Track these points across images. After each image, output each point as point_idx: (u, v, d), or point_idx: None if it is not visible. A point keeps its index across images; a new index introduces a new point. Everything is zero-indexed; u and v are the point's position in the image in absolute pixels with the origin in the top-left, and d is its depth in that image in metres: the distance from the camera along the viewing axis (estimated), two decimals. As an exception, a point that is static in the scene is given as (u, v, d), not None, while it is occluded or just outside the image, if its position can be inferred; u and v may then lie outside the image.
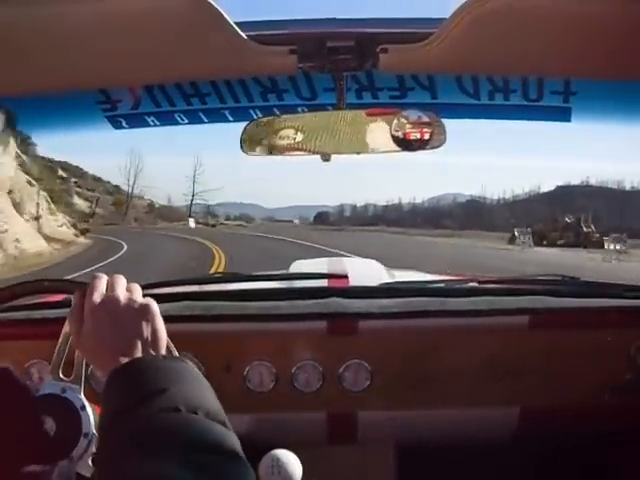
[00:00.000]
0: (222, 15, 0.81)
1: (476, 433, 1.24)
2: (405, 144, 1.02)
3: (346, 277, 1.46)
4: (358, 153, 1.05)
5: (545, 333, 1.18)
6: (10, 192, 21.50)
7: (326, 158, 1.06)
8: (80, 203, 46.31)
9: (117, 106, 1.19)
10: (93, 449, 0.73)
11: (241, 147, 1.06)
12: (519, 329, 1.19)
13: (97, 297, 0.70)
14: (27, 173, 26.18)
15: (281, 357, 1.16)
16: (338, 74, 1.01)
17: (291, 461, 0.95)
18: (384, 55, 0.93)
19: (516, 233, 26.02)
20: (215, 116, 1.24)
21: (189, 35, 0.86)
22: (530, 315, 1.18)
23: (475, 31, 0.84)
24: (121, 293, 0.71)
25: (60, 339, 0.79)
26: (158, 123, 1.24)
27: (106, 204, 50.65)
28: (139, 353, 0.66)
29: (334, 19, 0.96)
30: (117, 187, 54.71)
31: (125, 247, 19.87)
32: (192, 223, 45.34)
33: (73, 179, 49.09)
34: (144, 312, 0.69)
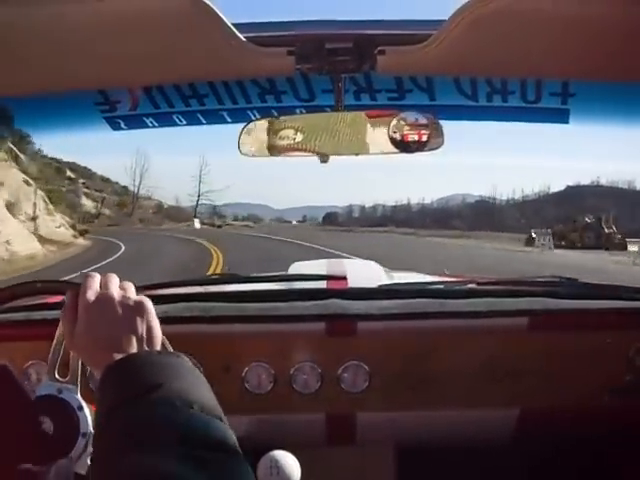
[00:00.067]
0: (220, 17, 0.81)
1: (475, 434, 1.24)
2: (403, 146, 1.02)
3: (345, 278, 1.46)
4: (356, 154, 1.05)
5: (544, 335, 1.18)
6: (6, 192, 21.33)
7: (324, 159, 1.06)
8: (87, 204, 46.39)
9: (116, 107, 1.19)
10: (91, 449, 0.73)
11: (238, 148, 1.06)
12: (518, 330, 1.19)
13: (91, 295, 0.70)
14: (25, 172, 26.00)
15: (280, 358, 1.16)
16: (336, 76, 1.01)
17: (289, 462, 0.95)
18: (382, 57, 0.93)
19: (533, 234, 24.85)
20: (213, 117, 1.24)
21: (187, 37, 0.86)
22: (529, 316, 1.18)
23: (473, 33, 0.84)
24: (115, 291, 0.70)
25: (55, 340, 0.79)
26: (156, 124, 1.24)
27: (112, 205, 50.70)
28: (134, 349, 0.66)
29: (332, 21, 0.96)
30: (125, 188, 54.80)
31: (123, 248, 19.83)
32: (197, 224, 44.85)
33: (81, 180, 49.25)
34: (138, 309, 0.69)
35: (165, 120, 1.23)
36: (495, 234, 34.94)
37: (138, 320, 0.68)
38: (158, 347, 0.69)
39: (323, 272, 1.63)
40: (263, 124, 1.05)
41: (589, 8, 0.80)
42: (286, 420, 1.19)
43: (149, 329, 0.69)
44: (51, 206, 26.55)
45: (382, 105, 1.19)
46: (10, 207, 20.65)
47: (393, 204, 73.99)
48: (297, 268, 1.82)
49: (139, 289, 0.75)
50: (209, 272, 11.57)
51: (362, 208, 73.93)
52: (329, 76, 1.01)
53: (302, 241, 21.58)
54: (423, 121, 1.02)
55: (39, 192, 25.48)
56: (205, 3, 0.78)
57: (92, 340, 0.68)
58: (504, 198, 62.93)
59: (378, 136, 1.02)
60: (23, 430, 0.72)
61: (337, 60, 0.95)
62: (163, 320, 0.71)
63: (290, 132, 1.03)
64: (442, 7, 0.92)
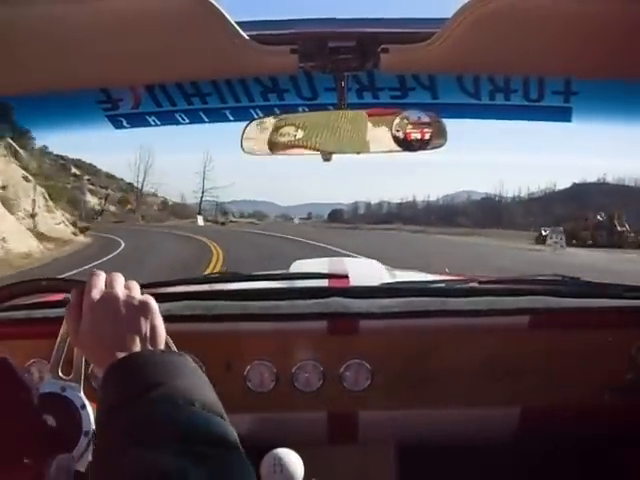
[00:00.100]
0: (223, 15, 0.81)
1: (476, 433, 1.24)
2: (406, 144, 1.02)
3: (347, 277, 1.46)
4: (358, 153, 1.05)
5: (545, 333, 1.19)
6: (4, 188, 21.17)
7: (327, 158, 1.06)
8: (92, 200, 46.32)
9: (118, 105, 1.19)
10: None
11: (241, 146, 1.06)
12: (519, 329, 1.19)
13: (96, 294, 0.70)
14: (25, 169, 25.75)
15: (282, 357, 1.16)
16: (339, 74, 1.01)
17: (292, 460, 0.96)
18: (385, 55, 0.92)
19: (543, 232, 23.92)
20: (216, 116, 1.24)
21: (190, 35, 0.86)
22: (530, 315, 1.18)
23: (476, 31, 0.84)
24: (120, 290, 0.71)
25: (59, 337, 0.79)
26: (159, 123, 1.24)
27: (116, 201, 50.60)
28: (137, 349, 0.66)
29: (335, 19, 0.96)
30: (130, 185, 54.52)
31: (122, 245, 19.79)
32: (201, 221, 44.27)
33: (86, 176, 49.18)
34: (143, 309, 0.69)
35: (167, 118, 1.23)
36: (504, 232, 34.03)
37: (142, 320, 0.68)
38: (162, 346, 0.69)
39: (325, 270, 1.63)
40: (265, 122, 1.05)
41: (591, 6, 0.80)
42: (288, 418, 1.19)
43: (153, 328, 0.69)
44: (51, 203, 26.24)
45: (385, 103, 1.19)
46: (6, 204, 20.37)
47: (398, 201, 73.16)
48: (299, 266, 1.82)
49: (141, 287, 0.75)
50: (208, 269, 11.57)
51: (368, 205, 73.29)
52: (332, 74, 1.01)
53: (307, 239, 21.16)
54: (426, 119, 1.02)
55: (39, 188, 25.19)
56: (208, 1, 0.78)
57: (96, 339, 0.68)
58: (510, 195, 62.31)
59: (380, 134, 1.02)
60: (25, 427, 0.72)
61: (340, 58, 0.94)
62: (165, 318, 0.71)
63: (291, 129, 1.03)
64: (445, 5, 0.92)
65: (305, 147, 1.03)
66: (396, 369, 1.17)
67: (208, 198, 55.32)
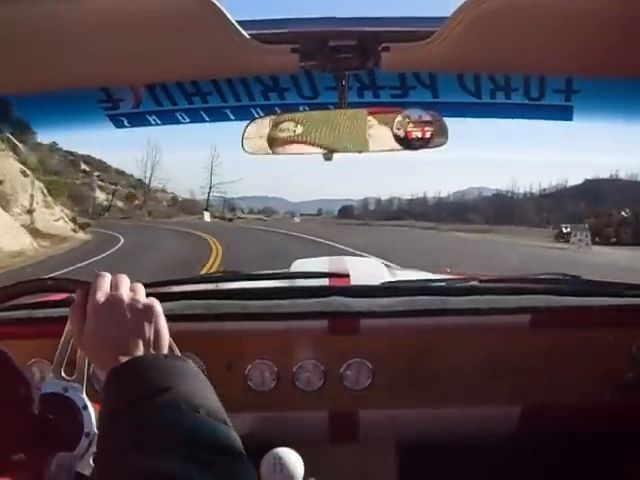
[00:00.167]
0: (224, 14, 0.80)
1: (477, 432, 1.24)
2: (407, 143, 1.02)
3: (347, 276, 1.46)
4: (360, 152, 1.05)
5: (546, 332, 1.19)
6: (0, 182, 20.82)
7: (328, 157, 1.06)
8: (101, 197, 46.18)
9: (119, 105, 1.18)
10: (94, 449, 0.73)
11: (242, 146, 1.06)
12: (520, 328, 1.19)
13: (101, 296, 0.70)
14: (23, 163, 25.32)
15: (282, 356, 1.16)
16: (340, 73, 1.01)
17: (293, 459, 0.96)
18: (386, 54, 0.92)
19: (564, 229, 22.70)
20: (217, 115, 1.24)
21: (191, 34, 0.86)
22: (531, 314, 1.18)
23: (477, 29, 0.84)
24: (125, 293, 0.70)
25: (62, 338, 0.79)
26: (160, 122, 1.23)
27: (123, 198, 50.31)
28: (140, 353, 0.66)
29: (336, 18, 0.96)
30: (140, 181, 53.80)
31: (121, 241, 19.72)
32: (207, 217, 43.74)
33: (96, 173, 48.99)
34: (147, 312, 0.69)
35: (168, 118, 1.22)
36: (517, 228, 32.64)
37: (146, 324, 0.68)
38: (165, 350, 0.69)
39: (325, 269, 1.63)
40: (266, 122, 1.05)
41: (592, 3, 0.80)
42: (289, 418, 1.20)
43: (157, 332, 0.68)
44: (50, 198, 25.74)
45: (386, 102, 1.19)
46: (4, 199, 20.00)
47: (409, 197, 71.65)
48: (300, 265, 1.82)
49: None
50: (206, 266, 11.53)
51: (378, 201, 71.93)
52: (333, 73, 1.01)
53: (314, 237, 20.37)
54: (427, 118, 1.02)
55: (37, 183, 24.67)
56: (210, 0, 0.77)
57: (99, 341, 0.68)
58: (521, 192, 61.40)
59: (381, 133, 1.02)
60: (26, 427, 0.72)
61: (341, 57, 0.94)
62: (166, 318, 0.71)
63: (290, 124, 1.02)
64: (445, 4, 0.91)
65: (305, 143, 1.03)
66: (397, 368, 1.17)
67: (216, 194, 54.64)
